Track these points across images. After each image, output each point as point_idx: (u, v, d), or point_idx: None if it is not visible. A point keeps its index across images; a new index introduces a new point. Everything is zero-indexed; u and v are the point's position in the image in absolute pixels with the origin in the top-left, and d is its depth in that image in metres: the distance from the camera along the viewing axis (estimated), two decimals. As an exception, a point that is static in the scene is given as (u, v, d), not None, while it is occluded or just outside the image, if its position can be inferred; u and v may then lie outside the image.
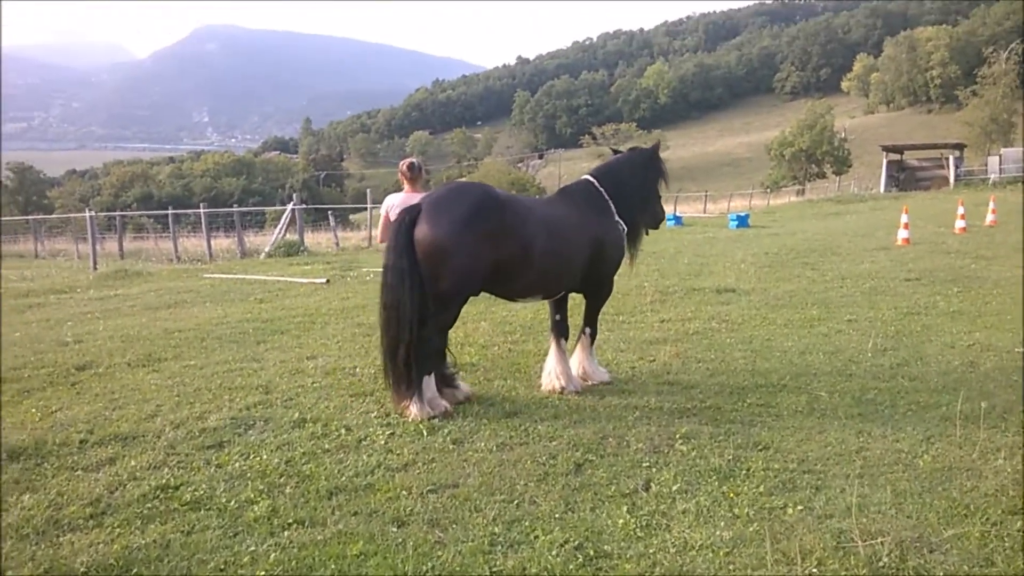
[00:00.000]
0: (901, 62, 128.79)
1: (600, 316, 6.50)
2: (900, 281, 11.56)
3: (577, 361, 6.36)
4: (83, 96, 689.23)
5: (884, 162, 57.97)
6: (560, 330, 6.25)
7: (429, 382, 5.51)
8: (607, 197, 6.20)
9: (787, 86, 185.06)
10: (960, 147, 57.84)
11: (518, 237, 5.43)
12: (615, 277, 6.46)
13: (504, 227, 5.37)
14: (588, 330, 6.38)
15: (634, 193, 6.39)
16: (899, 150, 59.96)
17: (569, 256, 5.81)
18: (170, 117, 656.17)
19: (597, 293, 6.36)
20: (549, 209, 5.90)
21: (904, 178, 56.68)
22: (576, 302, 6.47)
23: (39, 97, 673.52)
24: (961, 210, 20.23)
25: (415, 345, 5.32)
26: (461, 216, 5.24)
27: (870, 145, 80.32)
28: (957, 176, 53.68)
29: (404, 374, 5.34)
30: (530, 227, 5.51)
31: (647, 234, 6.84)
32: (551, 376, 6.14)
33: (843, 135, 75.75)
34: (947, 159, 55.79)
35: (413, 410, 5.36)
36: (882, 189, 54.85)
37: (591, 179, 6.34)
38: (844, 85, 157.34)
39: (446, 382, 5.77)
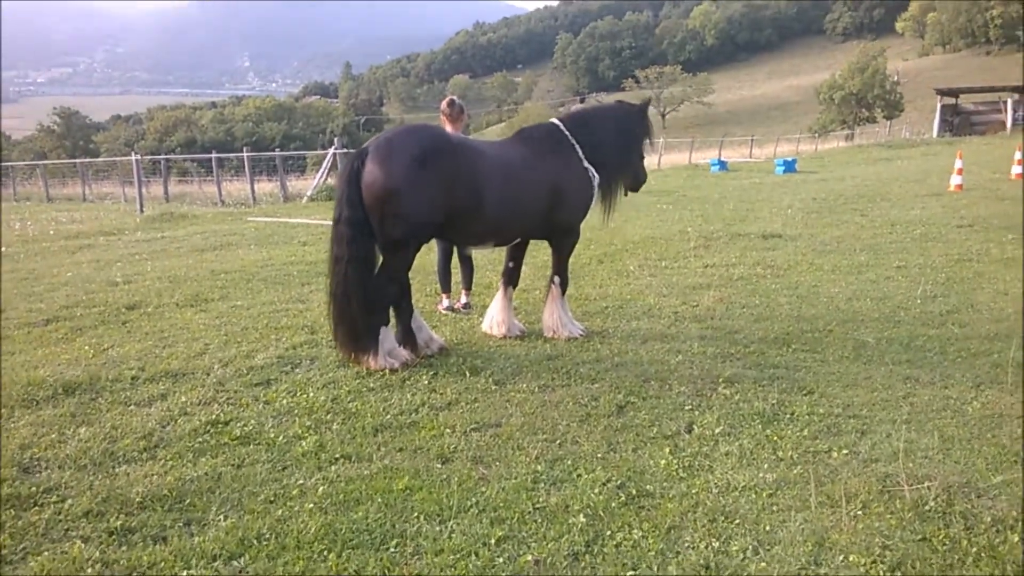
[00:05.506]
0: (960, 1, 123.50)
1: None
2: (952, 228, 11.27)
3: (548, 313, 6.11)
4: (128, 41, 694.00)
5: (938, 106, 55.92)
6: (510, 278, 6.20)
7: (387, 333, 5.40)
8: (573, 141, 5.92)
9: (839, 27, 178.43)
10: (1020, 90, 55.38)
11: (470, 182, 5.22)
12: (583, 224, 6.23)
13: (458, 171, 5.16)
14: (557, 279, 6.11)
15: (610, 144, 6.08)
16: (954, 93, 57.71)
17: (524, 202, 5.58)
18: (212, 62, 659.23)
19: (561, 241, 6.11)
20: (503, 152, 5.65)
21: (958, 123, 54.67)
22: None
23: (84, 43, 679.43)
24: (1018, 155, 19.48)
25: (368, 297, 5.19)
26: (412, 159, 5.01)
27: (923, 89, 77.68)
28: (1015, 121, 51.53)
29: (358, 326, 5.19)
30: (482, 172, 5.30)
31: (625, 195, 6.58)
32: (490, 322, 6.20)
33: (895, 78, 73.32)
34: (1005, 103, 53.61)
35: (372, 362, 5.26)
36: (935, 134, 53.05)
37: (556, 122, 6.09)
38: (899, 26, 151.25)
39: (411, 335, 5.57)
